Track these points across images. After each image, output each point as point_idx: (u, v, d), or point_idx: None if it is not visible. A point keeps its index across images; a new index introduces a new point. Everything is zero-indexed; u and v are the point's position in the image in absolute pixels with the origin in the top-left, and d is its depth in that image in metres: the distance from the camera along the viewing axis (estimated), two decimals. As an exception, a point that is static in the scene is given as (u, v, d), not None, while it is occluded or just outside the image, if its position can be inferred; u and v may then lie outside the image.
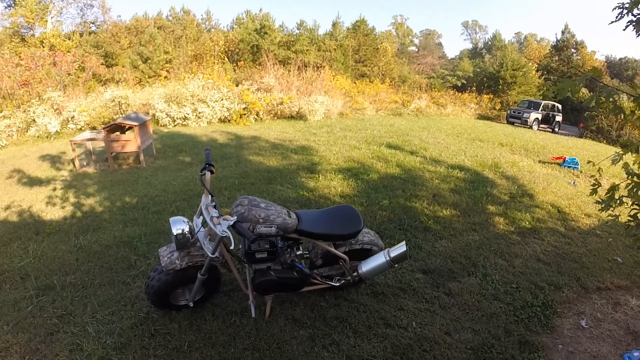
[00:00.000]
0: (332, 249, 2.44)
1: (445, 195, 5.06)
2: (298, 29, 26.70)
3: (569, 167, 7.35)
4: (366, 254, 2.58)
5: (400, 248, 2.42)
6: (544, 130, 17.13)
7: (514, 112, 18.06)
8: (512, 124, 17.59)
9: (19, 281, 2.97)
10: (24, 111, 9.68)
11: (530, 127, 16.85)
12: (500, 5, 76.13)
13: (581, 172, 7.07)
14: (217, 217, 2.03)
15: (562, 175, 6.87)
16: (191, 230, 2.23)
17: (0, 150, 8.31)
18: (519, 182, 5.98)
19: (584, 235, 4.24)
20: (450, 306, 2.76)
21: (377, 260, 2.46)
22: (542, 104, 17.83)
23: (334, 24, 27.91)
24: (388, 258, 2.42)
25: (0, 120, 9.04)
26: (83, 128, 9.59)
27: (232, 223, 1.94)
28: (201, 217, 2.22)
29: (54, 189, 5.04)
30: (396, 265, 2.50)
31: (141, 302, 2.62)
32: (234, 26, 31.18)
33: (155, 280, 2.31)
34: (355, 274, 2.53)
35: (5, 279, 3.00)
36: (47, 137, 9.15)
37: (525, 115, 17.20)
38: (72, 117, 9.72)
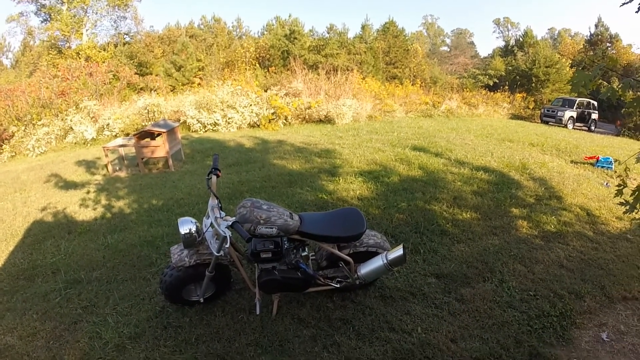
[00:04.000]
0: (336, 251, 2.47)
1: (466, 197, 4.94)
2: (328, 33, 26.70)
3: (602, 167, 6.94)
4: (373, 256, 2.57)
5: (397, 251, 2.41)
6: (580, 129, 16.32)
7: (547, 110, 17.35)
8: (547, 123, 16.89)
9: (50, 275, 3.23)
10: (62, 119, 10.30)
11: (565, 126, 16.12)
12: (532, 1, 72.42)
13: (615, 172, 6.65)
14: (221, 218, 2.14)
15: (595, 175, 6.49)
16: (198, 230, 2.35)
17: (40, 156, 8.96)
18: (547, 184, 5.72)
19: (613, 240, 3.99)
20: (460, 313, 2.68)
21: (375, 263, 2.46)
22: (576, 102, 16.96)
23: (363, 27, 27.65)
24: (385, 261, 2.42)
25: (39, 129, 9.69)
26: (118, 135, 10.05)
27: (230, 223, 2.04)
28: (210, 218, 2.33)
29: (88, 192, 5.39)
30: (394, 269, 2.48)
31: (158, 297, 2.79)
32: (265, 32, 31.35)
33: (167, 276, 2.46)
34: (355, 276, 2.55)
35: (38, 273, 3.27)
36: (83, 143, 9.76)
37: (559, 113, 16.49)
38: (108, 125, 10.27)
